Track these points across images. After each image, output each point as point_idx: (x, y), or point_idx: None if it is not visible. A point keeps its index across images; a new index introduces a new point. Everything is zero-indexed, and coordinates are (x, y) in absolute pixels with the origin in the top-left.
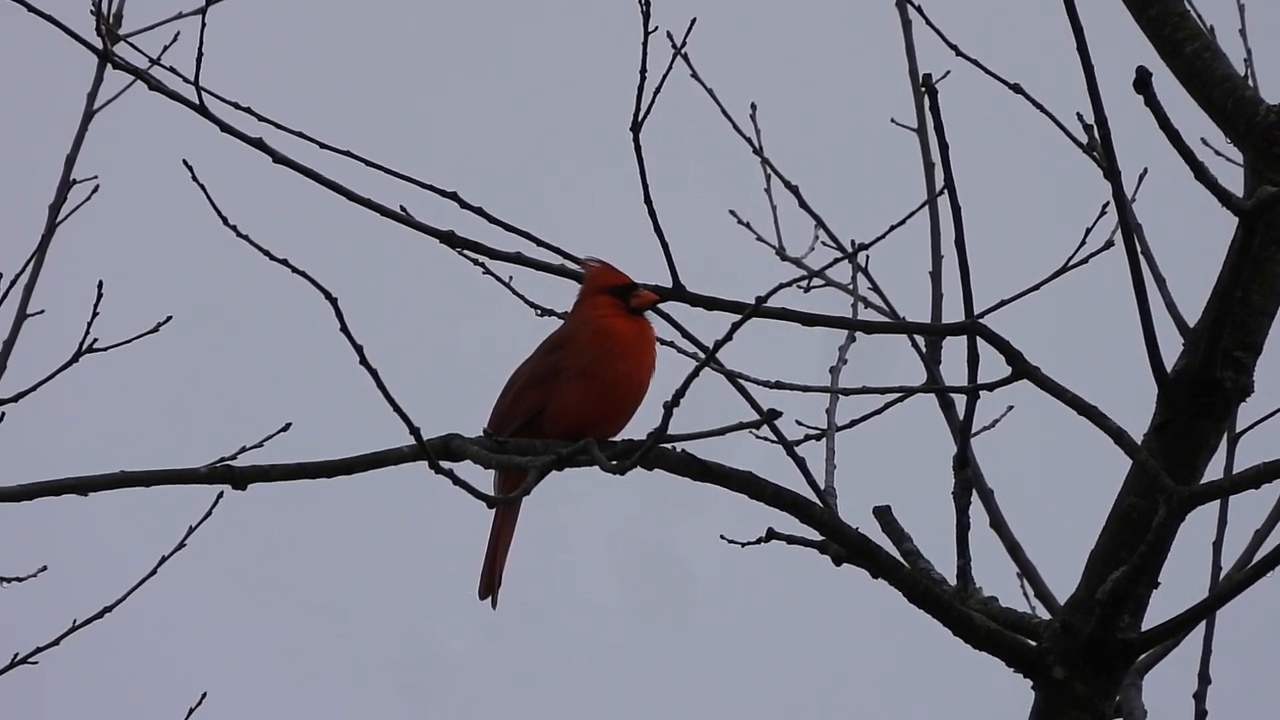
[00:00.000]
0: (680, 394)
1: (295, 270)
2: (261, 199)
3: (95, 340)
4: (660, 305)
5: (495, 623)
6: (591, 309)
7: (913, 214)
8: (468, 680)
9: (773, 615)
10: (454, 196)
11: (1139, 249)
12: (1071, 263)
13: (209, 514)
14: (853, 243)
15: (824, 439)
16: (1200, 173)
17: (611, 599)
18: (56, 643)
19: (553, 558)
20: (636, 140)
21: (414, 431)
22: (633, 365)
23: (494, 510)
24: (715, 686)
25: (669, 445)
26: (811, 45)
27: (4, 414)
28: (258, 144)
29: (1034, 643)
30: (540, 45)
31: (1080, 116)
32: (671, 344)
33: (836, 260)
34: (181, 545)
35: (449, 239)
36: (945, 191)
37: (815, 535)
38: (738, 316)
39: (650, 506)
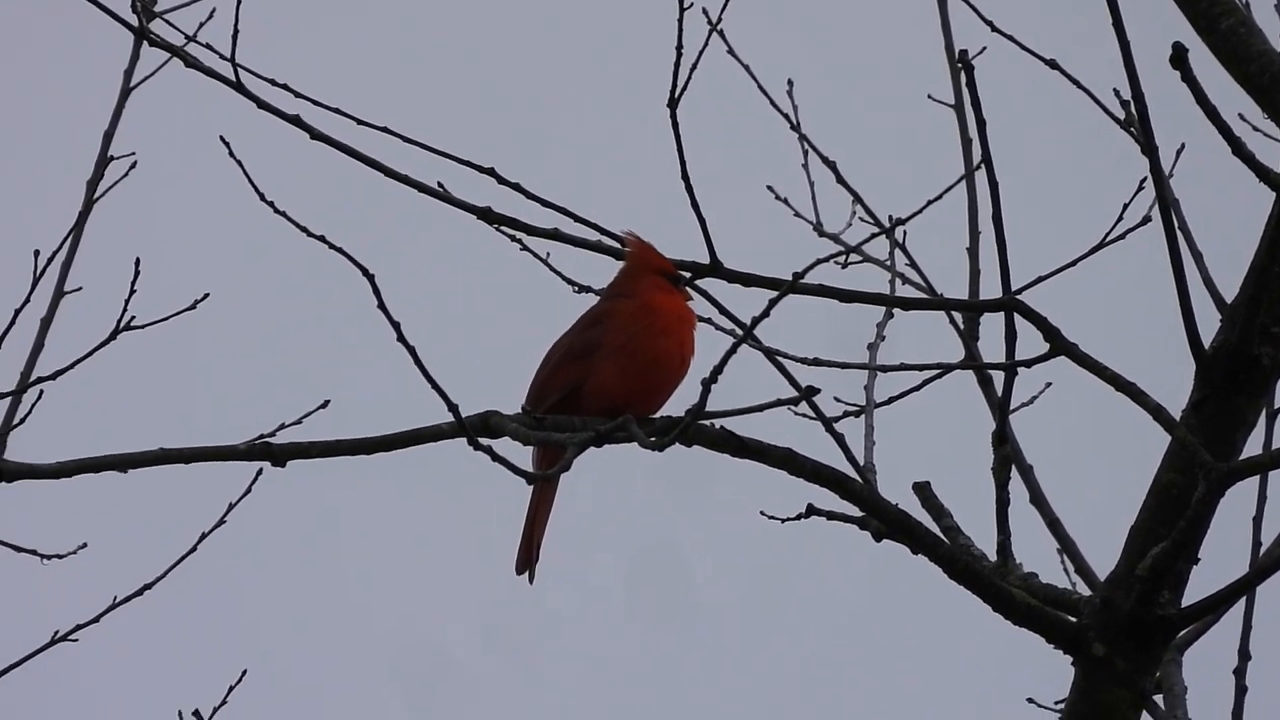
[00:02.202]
0: (718, 370)
1: (332, 247)
2: (298, 175)
3: (133, 318)
4: (697, 282)
5: (498, 624)
6: (639, 285)
7: (950, 189)
8: (470, 681)
9: (779, 614)
10: (491, 172)
11: (1176, 224)
12: (1109, 238)
13: (248, 491)
14: (890, 218)
15: (863, 415)
16: (1237, 148)
17: (615, 600)
18: (96, 620)
19: (556, 559)
20: (674, 116)
21: (452, 408)
22: (674, 344)
23: (532, 487)
24: (722, 682)
25: (707, 422)
26: (848, 21)
27: (43, 391)
28: (295, 120)
29: (1074, 619)
30: (577, 22)
31: (1117, 92)
32: (709, 321)
33: (874, 236)
34: (221, 522)
35: (486, 215)
36: (982, 167)
37: (855, 511)
38: (775, 293)
39: (653, 508)
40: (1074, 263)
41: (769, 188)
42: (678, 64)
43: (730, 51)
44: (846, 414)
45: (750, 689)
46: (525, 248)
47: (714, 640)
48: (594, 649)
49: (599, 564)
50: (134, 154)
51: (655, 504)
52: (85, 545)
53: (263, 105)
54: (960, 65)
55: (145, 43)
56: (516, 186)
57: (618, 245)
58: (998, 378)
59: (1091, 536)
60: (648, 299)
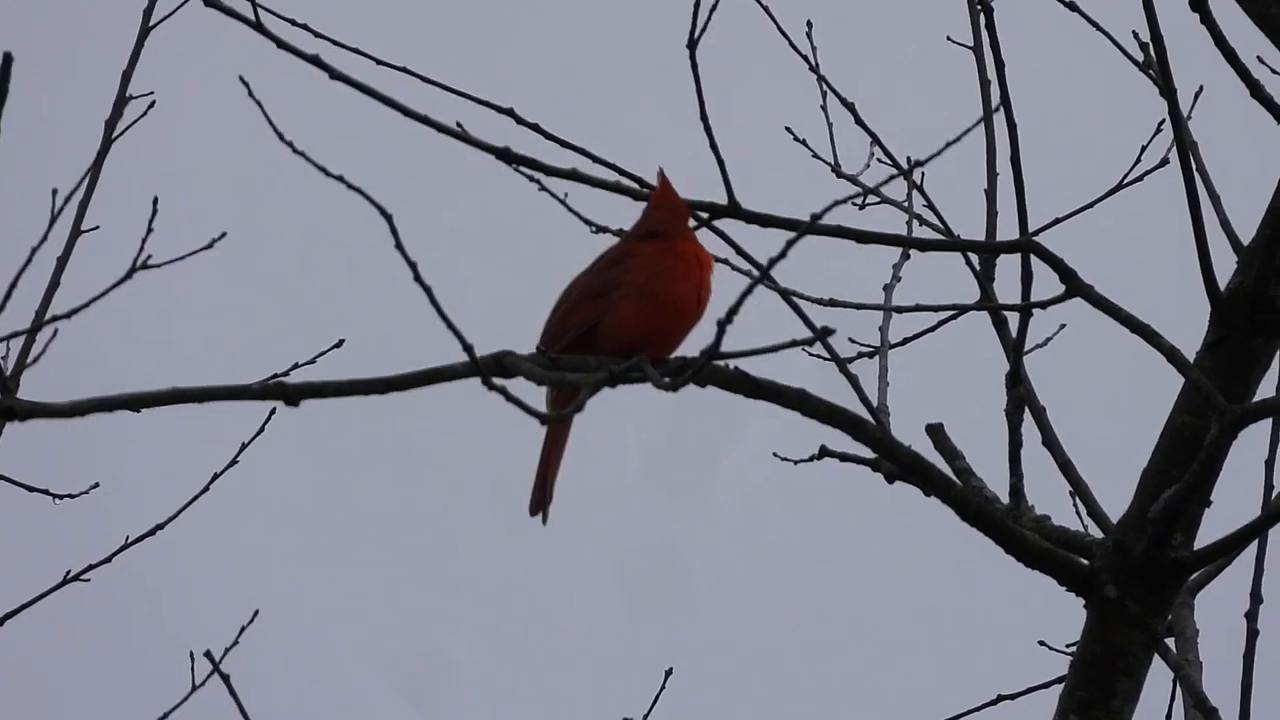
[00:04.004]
0: (734, 311)
1: (350, 187)
2: (317, 115)
3: (149, 257)
4: (715, 222)
5: (497, 623)
6: (669, 226)
7: (968, 131)
8: (470, 680)
9: (777, 609)
10: (510, 113)
11: (1194, 166)
12: (1126, 180)
13: (261, 430)
14: (908, 160)
15: (877, 356)
16: (1256, 90)
17: (612, 597)
18: (108, 560)
19: (554, 557)
20: (693, 57)
21: (467, 348)
22: (692, 287)
23: (546, 428)
24: (722, 659)
25: (722, 362)
26: None
27: (58, 330)
28: (314, 60)
29: (1086, 561)
30: None
31: (1136, 34)
32: (726, 261)
33: (891, 177)
34: (234, 462)
35: (505, 155)
36: (1001, 109)
37: (868, 453)
38: (792, 233)
39: (649, 505)
40: (1091, 205)
41: (787, 129)
42: (697, 5)
43: None
44: (861, 355)
45: (754, 651)
46: (543, 188)
47: (716, 626)
48: (594, 644)
49: (598, 559)
50: (152, 93)
51: (650, 498)
52: (98, 485)
53: (282, 45)
54: (980, 7)
55: None
56: (535, 127)
57: (636, 186)
58: (1013, 319)
59: (1104, 479)
60: (671, 242)
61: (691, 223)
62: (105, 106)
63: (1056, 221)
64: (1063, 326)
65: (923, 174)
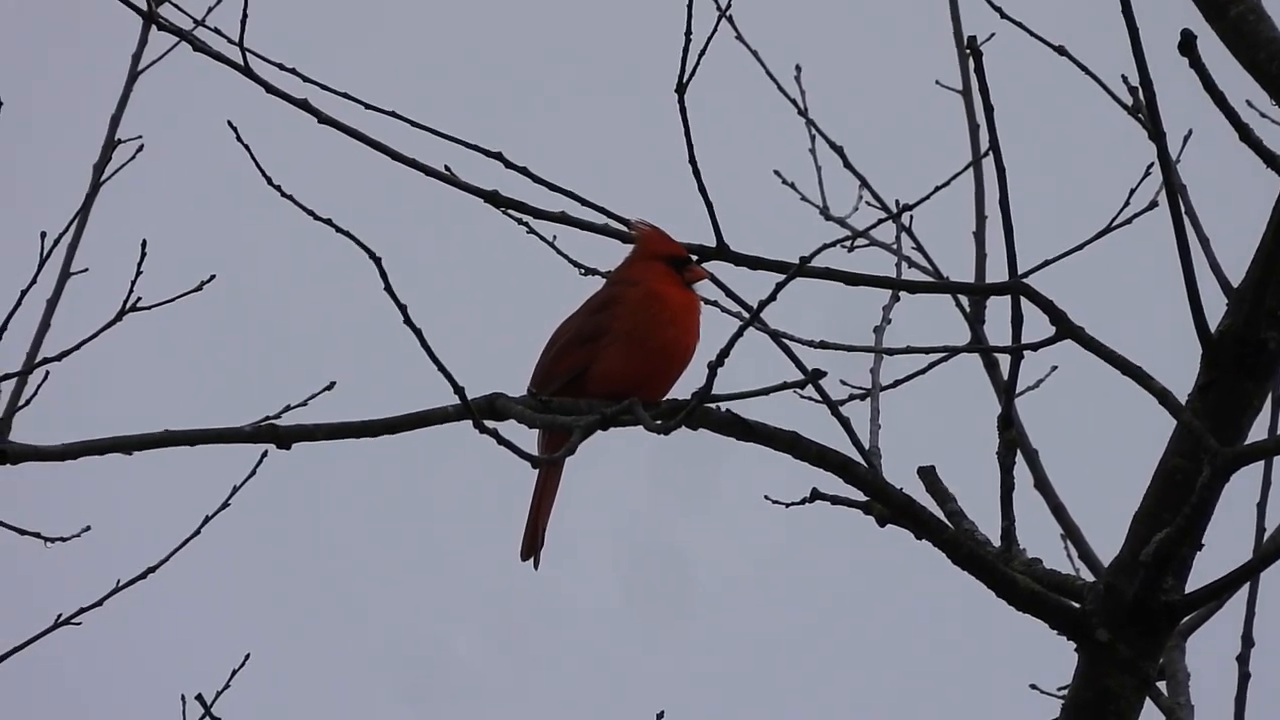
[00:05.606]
0: (725, 353)
1: (339, 230)
2: (306, 159)
3: (139, 299)
4: (704, 264)
5: (499, 623)
6: (645, 272)
7: (957, 175)
8: (471, 680)
9: (781, 601)
10: (499, 156)
11: (1183, 210)
12: (1115, 223)
13: (253, 473)
14: (897, 203)
15: (868, 399)
16: (1245, 134)
17: (613, 598)
18: (100, 603)
19: (556, 557)
20: (681, 101)
21: (458, 391)
22: (679, 332)
23: (537, 471)
24: (725, 672)
25: (713, 405)
26: (856, 6)
27: (48, 373)
28: (302, 104)
29: (1078, 605)
30: (586, 6)
31: (1125, 79)
32: (716, 304)
33: (881, 221)
34: (225, 505)
35: (493, 199)
36: (990, 153)
37: (859, 496)
38: (782, 276)
39: (652, 505)
40: (1081, 247)
41: (776, 172)
42: (686, 49)
43: (739, 37)
44: (852, 397)
45: (752, 677)
46: (532, 231)
47: (716, 630)
48: (595, 645)
49: (601, 560)
50: (141, 137)
51: (654, 500)
52: (89, 528)
53: (270, 89)
54: (969, 51)
55: (154, 26)
56: (524, 170)
57: (624, 229)
58: (1003, 361)
59: (1095, 522)
60: (655, 287)
61: (694, 258)
62: (94, 150)
63: (1046, 263)
64: (1054, 368)
65: (912, 217)
